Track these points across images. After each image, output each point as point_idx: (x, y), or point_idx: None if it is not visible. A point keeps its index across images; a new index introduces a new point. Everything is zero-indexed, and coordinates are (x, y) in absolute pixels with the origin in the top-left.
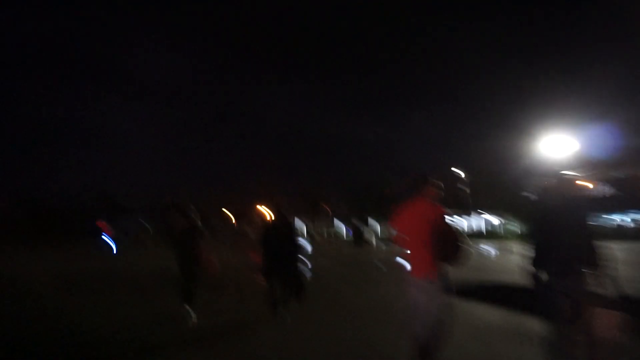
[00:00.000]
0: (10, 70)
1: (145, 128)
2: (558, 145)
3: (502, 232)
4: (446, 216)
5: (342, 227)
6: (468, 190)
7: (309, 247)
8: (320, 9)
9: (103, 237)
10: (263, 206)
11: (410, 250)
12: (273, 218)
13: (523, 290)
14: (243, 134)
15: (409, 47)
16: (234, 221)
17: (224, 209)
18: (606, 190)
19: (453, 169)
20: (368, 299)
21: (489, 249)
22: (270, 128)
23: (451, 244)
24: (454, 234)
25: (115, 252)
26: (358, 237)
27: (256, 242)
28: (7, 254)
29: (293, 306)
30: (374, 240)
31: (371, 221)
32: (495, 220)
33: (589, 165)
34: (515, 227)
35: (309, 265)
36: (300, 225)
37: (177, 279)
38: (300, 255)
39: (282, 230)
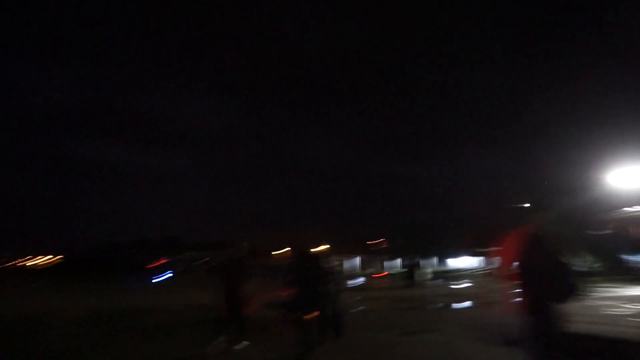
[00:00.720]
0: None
1: (198, 178)
2: (629, 177)
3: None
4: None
5: (397, 266)
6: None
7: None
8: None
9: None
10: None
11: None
12: (296, 258)
13: None
14: (293, 183)
15: (456, 79)
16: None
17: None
18: None
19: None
20: (421, 344)
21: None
22: (318, 174)
23: (561, 278)
24: (563, 266)
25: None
26: (410, 276)
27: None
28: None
29: (329, 346)
30: (427, 279)
31: (425, 260)
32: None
33: None
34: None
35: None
36: (354, 264)
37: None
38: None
39: (307, 268)
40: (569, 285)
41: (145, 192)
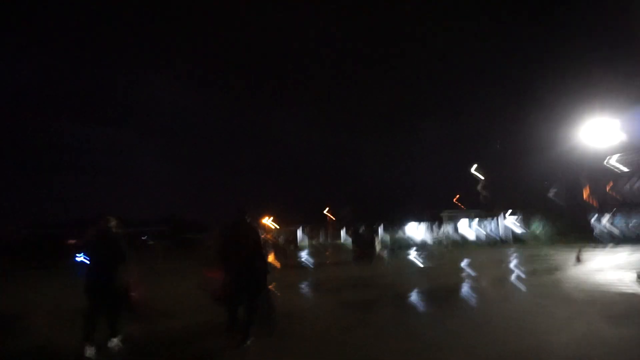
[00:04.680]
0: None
1: (161, 160)
2: (601, 132)
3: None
4: None
5: (349, 238)
6: (485, 193)
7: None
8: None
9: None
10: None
11: None
12: (233, 226)
13: None
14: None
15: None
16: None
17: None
18: None
19: (473, 171)
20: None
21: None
22: (278, 150)
23: None
24: None
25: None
26: (363, 249)
27: (214, 256)
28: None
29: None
30: (384, 253)
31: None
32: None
33: (635, 154)
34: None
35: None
36: (301, 236)
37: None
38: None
39: (246, 241)
40: None
41: (100, 174)
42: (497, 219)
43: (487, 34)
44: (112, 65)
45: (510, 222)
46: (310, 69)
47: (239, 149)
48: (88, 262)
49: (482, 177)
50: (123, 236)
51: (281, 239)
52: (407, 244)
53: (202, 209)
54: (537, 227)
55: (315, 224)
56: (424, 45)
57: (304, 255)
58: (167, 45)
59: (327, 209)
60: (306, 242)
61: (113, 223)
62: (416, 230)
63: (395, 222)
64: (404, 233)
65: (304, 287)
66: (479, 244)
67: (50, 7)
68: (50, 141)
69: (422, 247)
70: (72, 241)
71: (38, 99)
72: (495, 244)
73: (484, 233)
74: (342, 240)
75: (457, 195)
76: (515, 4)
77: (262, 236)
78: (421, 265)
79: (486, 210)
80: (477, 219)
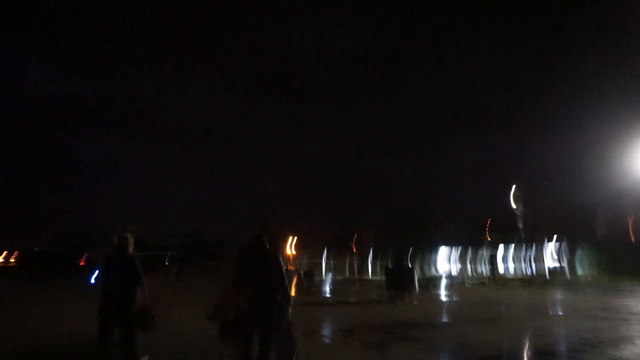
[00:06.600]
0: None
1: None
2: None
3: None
4: None
5: (378, 270)
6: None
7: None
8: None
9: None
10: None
11: None
12: (249, 251)
13: None
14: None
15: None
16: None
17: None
18: None
19: (512, 196)
20: None
21: None
22: (310, 169)
23: None
24: None
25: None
26: (397, 283)
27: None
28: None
29: None
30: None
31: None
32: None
33: None
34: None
35: None
36: (324, 267)
37: None
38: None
39: (263, 270)
40: None
41: (130, 187)
42: (539, 248)
43: (535, 56)
44: (143, 81)
45: (554, 252)
46: (340, 90)
47: (268, 168)
48: (103, 282)
49: (522, 203)
50: (139, 257)
51: (303, 268)
52: (438, 276)
53: (226, 225)
54: (586, 259)
55: (340, 252)
56: (463, 66)
57: (328, 288)
58: (199, 64)
59: (355, 237)
60: (330, 273)
61: (130, 241)
62: (448, 260)
63: (426, 249)
64: (435, 262)
65: (332, 333)
66: (518, 278)
67: (95, 29)
68: (80, 155)
69: (455, 280)
70: (83, 260)
71: (66, 114)
72: (539, 279)
73: (524, 265)
74: (369, 273)
75: (488, 220)
76: (567, 30)
77: (285, 264)
78: (465, 306)
79: (526, 238)
80: (515, 248)
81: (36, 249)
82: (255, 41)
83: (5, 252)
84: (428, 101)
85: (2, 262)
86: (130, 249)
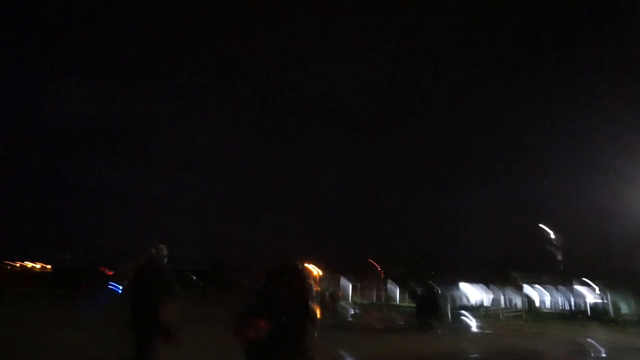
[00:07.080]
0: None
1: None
2: None
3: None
4: None
5: (396, 292)
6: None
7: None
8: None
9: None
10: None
11: None
12: (274, 273)
13: None
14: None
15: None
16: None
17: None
18: None
19: (541, 225)
20: None
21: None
22: (321, 205)
23: None
24: None
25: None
26: (427, 310)
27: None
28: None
29: None
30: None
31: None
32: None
33: None
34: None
35: None
36: (345, 286)
37: None
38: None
39: (289, 293)
40: None
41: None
42: (573, 288)
43: (569, 98)
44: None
45: (589, 293)
46: (361, 126)
47: (288, 201)
48: (131, 292)
49: (553, 237)
50: (171, 270)
51: (329, 290)
52: (469, 305)
53: (244, 254)
54: (631, 297)
55: (363, 277)
56: (489, 102)
57: (353, 311)
58: (219, 94)
59: (383, 263)
60: (355, 298)
61: (165, 252)
62: (475, 292)
63: (451, 282)
64: (461, 294)
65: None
66: (553, 315)
67: (114, 55)
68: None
69: (488, 310)
70: (110, 272)
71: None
72: (579, 315)
73: (562, 299)
74: (397, 298)
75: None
76: (599, 73)
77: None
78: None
79: (560, 277)
80: (549, 287)
81: (67, 256)
82: (281, 79)
83: (40, 263)
84: (458, 139)
85: (39, 269)
86: (165, 260)
